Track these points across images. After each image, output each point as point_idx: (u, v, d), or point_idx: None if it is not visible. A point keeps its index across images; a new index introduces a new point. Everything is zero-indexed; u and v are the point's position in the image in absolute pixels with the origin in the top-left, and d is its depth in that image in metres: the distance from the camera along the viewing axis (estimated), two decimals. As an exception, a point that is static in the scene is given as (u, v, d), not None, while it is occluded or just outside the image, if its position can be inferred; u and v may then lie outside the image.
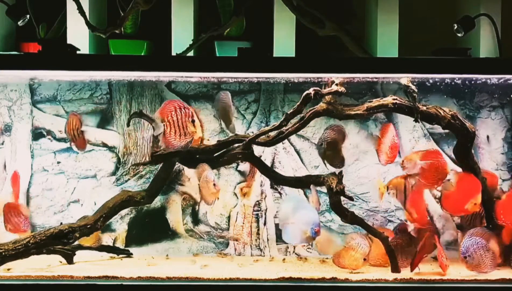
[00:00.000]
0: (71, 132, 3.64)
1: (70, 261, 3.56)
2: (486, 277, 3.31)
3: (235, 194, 3.92)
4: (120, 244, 3.88)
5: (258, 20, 3.80)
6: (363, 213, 3.86)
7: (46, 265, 3.50)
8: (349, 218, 3.45)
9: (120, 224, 3.90)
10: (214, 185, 3.46)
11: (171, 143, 3.37)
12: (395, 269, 3.39)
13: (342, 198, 3.41)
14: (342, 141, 3.56)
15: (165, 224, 3.92)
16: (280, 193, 3.92)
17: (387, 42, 3.62)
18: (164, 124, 3.35)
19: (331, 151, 3.56)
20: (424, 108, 3.48)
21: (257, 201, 3.93)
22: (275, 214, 3.89)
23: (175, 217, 3.93)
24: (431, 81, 3.64)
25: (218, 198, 3.49)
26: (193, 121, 3.37)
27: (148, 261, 3.71)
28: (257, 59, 3.36)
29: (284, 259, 3.81)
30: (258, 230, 3.92)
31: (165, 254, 3.86)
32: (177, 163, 3.74)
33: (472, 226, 3.51)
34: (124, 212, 3.81)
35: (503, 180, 3.88)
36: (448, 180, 3.50)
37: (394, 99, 3.45)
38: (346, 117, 3.48)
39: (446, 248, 3.69)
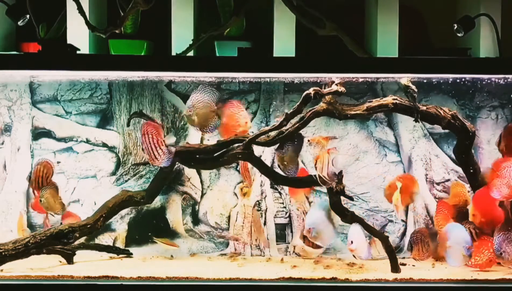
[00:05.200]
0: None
1: (70, 261, 3.57)
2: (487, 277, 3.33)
3: (235, 194, 3.92)
4: (120, 244, 3.88)
5: (258, 20, 3.80)
6: (363, 213, 3.85)
7: (46, 265, 3.50)
8: (349, 218, 3.46)
9: (120, 224, 3.90)
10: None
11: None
12: (395, 269, 3.39)
13: (342, 198, 3.41)
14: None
15: (165, 224, 3.92)
16: (280, 193, 3.92)
17: (387, 42, 3.61)
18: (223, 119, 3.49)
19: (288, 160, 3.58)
20: (424, 108, 3.48)
21: (257, 201, 3.92)
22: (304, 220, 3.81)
23: (175, 217, 3.92)
24: (432, 81, 3.64)
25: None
26: None
27: (148, 261, 3.71)
28: (257, 59, 3.36)
29: (282, 259, 3.80)
30: (258, 230, 3.92)
31: (165, 254, 3.86)
32: (177, 163, 3.75)
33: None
34: (124, 212, 3.81)
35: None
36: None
37: (394, 99, 3.45)
38: (346, 117, 3.48)
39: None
